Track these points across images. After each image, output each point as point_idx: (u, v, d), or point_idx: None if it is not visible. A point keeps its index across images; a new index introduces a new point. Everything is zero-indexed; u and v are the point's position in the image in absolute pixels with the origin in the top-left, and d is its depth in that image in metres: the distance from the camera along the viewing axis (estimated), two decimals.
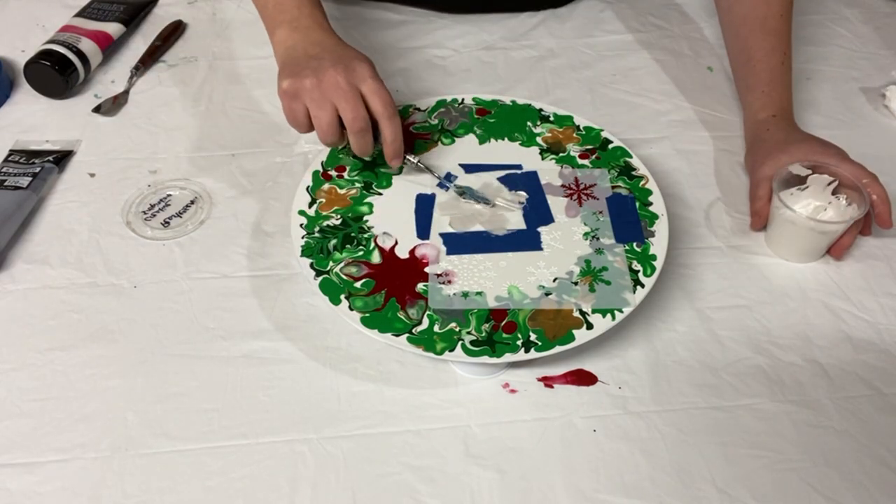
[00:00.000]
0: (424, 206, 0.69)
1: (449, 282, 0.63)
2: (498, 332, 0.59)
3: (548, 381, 0.62)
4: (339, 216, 0.68)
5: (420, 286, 0.62)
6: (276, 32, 0.72)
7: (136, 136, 0.82)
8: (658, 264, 0.64)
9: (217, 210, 0.74)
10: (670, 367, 0.63)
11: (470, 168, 0.72)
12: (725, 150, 0.81)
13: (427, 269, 0.64)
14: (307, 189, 0.70)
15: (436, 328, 0.59)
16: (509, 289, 0.62)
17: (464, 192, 0.70)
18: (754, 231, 0.73)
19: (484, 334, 0.59)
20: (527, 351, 0.58)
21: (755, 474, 0.57)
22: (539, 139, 0.75)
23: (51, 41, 0.86)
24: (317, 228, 0.67)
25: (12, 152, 0.78)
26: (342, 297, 0.61)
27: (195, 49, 0.93)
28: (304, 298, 0.67)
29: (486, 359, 0.58)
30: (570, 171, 0.72)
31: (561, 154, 0.74)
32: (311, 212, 0.68)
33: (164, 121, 0.83)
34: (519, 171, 0.72)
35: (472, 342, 0.59)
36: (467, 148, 0.75)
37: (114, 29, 0.91)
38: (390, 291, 0.62)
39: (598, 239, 0.66)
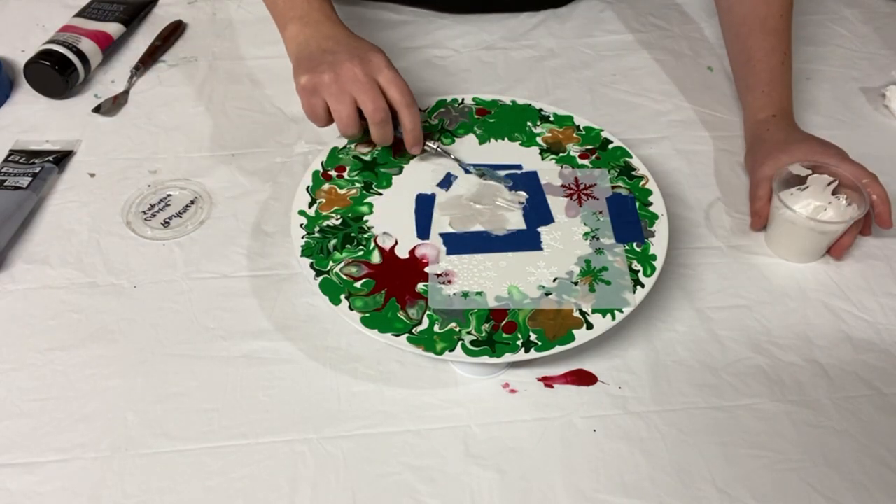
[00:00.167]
0: (424, 206, 0.69)
1: (449, 282, 0.63)
2: (498, 332, 0.59)
3: (548, 381, 0.62)
4: (339, 216, 0.68)
5: (420, 286, 0.62)
6: (288, 28, 0.72)
7: (136, 136, 0.82)
8: (658, 264, 0.64)
9: (217, 210, 0.74)
10: (670, 367, 0.63)
11: (470, 168, 0.72)
12: (725, 150, 0.81)
13: (427, 269, 0.64)
14: (307, 189, 0.70)
15: (436, 328, 0.59)
16: (509, 289, 0.62)
17: (484, 174, 0.71)
18: (754, 231, 0.73)
19: (484, 334, 0.59)
20: (527, 351, 0.58)
21: (755, 474, 0.57)
22: (539, 139, 0.75)
23: (51, 41, 0.86)
24: (317, 228, 0.67)
25: (12, 152, 0.78)
26: (342, 297, 0.61)
27: (195, 49, 0.93)
28: (304, 298, 0.67)
29: (486, 359, 0.58)
30: (570, 171, 0.72)
31: (561, 154, 0.74)
32: (311, 212, 0.68)
33: (164, 121, 0.83)
34: (519, 171, 0.72)
35: (472, 342, 0.59)
36: (467, 148, 0.75)
37: (114, 29, 0.91)
38: (390, 291, 0.62)
39: (598, 239, 0.66)
